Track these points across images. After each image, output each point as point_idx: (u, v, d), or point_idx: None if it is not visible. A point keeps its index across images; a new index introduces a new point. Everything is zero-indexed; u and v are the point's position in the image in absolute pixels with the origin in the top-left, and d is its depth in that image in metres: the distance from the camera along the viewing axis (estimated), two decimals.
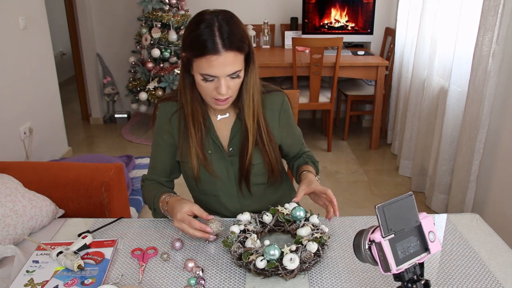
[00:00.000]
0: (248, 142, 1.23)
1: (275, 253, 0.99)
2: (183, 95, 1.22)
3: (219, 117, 1.28)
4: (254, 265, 1.00)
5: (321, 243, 1.06)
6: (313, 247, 1.02)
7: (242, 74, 1.15)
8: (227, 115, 1.28)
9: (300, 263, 1.00)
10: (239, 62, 1.12)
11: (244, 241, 1.06)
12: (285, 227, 1.17)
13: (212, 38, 1.06)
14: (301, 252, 1.02)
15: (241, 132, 1.25)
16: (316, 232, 1.09)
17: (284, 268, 0.99)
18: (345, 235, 1.19)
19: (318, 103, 3.56)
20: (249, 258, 1.01)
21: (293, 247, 1.03)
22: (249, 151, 1.24)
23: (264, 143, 1.25)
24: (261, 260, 0.99)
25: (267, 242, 1.06)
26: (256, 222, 1.16)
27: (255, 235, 1.08)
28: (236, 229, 1.10)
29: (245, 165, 1.25)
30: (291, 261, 0.98)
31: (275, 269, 0.99)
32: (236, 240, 1.07)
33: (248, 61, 1.17)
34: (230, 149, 1.27)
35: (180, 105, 1.24)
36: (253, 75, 1.19)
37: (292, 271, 0.99)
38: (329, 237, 1.09)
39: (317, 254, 1.03)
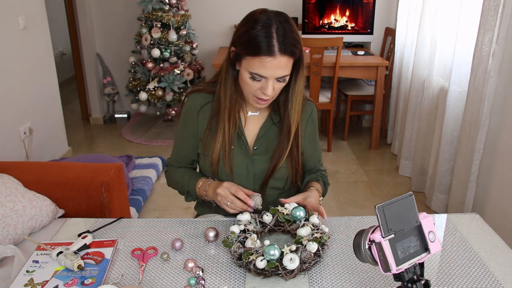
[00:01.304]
0: (287, 146, 1.25)
1: (275, 253, 0.99)
2: (223, 87, 1.22)
3: (250, 113, 1.28)
4: (254, 265, 0.99)
5: (321, 243, 1.06)
6: (313, 247, 1.02)
7: (287, 78, 1.16)
8: (258, 113, 1.28)
9: (300, 263, 1.00)
10: (290, 66, 1.13)
11: (244, 241, 1.06)
12: (285, 227, 1.17)
13: (269, 39, 1.07)
14: (301, 252, 1.02)
15: (282, 135, 1.25)
16: (316, 232, 1.08)
17: (284, 268, 0.99)
18: (345, 235, 1.19)
19: (318, 103, 3.56)
20: (249, 258, 1.01)
21: (293, 247, 1.03)
22: (286, 154, 1.26)
23: (298, 147, 1.27)
24: (261, 260, 0.99)
25: (267, 242, 1.05)
26: (256, 222, 1.16)
27: (255, 235, 1.08)
28: (236, 229, 1.10)
29: (276, 167, 1.26)
30: (291, 261, 0.98)
31: (275, 269, 0.99)
32: (236, 240, 1.06)
33: (297, 67, 1.17)
34: (255, 147, 1.28)
35: (217, 97, 1.24)
36: (301, 81, 1.21)
37: (292, 271, 0.99)
38: (329, 237, 1.09)
39: (317, 254, 1.03)
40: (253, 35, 1.09)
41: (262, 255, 1.00)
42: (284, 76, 1.13)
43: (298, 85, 1.21)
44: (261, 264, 0.99)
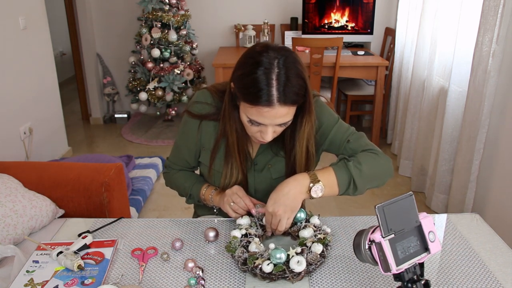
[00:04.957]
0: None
1: (281, 256, 0.98)
2: (228, 123, 1.16)
3: None
4: (261, 269, 0.98)
5: (325, 244, 1.05)
6: (318, 248, 1.02)
7: (290, 122, 1.08)
8: None
9: (306, 265, 0.99)
10: (291, 113, 1.05)
11: (247, 246, 1.05)
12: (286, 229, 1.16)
13: (268, 88, 0.98)
14: (307, 254, 1.01)
15: (288, 171, 1.22)
16: (319, 233, 1.08)
17: (291, 271, 0.98)
18: (345, 235, 1.19)
19: None
20: (254, 263, 0.99)
21: (298, 249, 1.02)
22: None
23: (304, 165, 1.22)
24: (268, 264, 0.98)
25: (272, 245, 1.04)
26: (256, 226, 1.15)
27: (257, 239, 1.07)
28: (237, 233, 1.09)
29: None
30: (298, 264, 0.97)
31: (282, 272, 0.98)
32: (239, 245, 1.05)
33: (303, 110, 1.09)
34: (255, 163, 1.26)
35: (222, 127, 1.19)
36: (307, 126, 1.12)
37: (299, 273, 0.98)
38: (331, 237, 1.09)
39: (322, 255, 1.03)
40: (252, 80, 1.00)
41: (268, 259, 0.99)
42: (285, 122, 1.06)
43: (303, 131, 1.13)
44: (267, 268, 0.97)
